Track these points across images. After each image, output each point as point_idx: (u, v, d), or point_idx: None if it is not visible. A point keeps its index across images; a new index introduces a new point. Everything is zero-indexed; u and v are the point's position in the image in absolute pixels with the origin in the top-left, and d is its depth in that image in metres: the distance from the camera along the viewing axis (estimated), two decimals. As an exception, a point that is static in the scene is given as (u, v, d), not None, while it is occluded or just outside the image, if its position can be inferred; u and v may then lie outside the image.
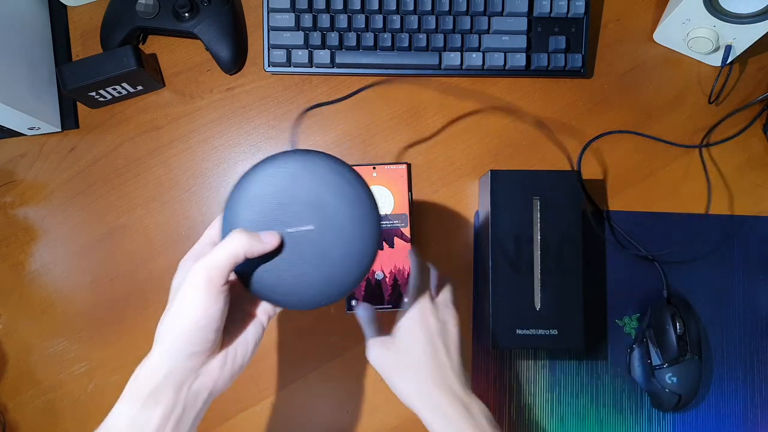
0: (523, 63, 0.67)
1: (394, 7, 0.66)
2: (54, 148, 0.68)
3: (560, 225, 0.58)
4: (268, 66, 0.68)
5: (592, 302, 0.66)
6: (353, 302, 0.65)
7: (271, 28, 0.67)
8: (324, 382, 0.66)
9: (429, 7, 0.66)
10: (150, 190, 0.68)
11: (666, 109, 0.69)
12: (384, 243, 0.65)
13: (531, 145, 0.68)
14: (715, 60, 0.68)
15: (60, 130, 0.68)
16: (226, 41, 0.67)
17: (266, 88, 0.69)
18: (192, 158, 0.69)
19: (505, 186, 0.59)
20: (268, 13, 0.67)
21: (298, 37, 0.67)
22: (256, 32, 0.70)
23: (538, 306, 0.58)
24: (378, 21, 0.66)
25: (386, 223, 0.66)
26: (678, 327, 0.61)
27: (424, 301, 0.51)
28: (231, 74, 0.69)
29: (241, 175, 0.40)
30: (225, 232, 0.40)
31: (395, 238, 0.65)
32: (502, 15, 0.67)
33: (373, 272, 0.65)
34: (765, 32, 0.61)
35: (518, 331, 0.58)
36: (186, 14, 0.66)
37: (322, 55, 0.67)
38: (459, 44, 0.67)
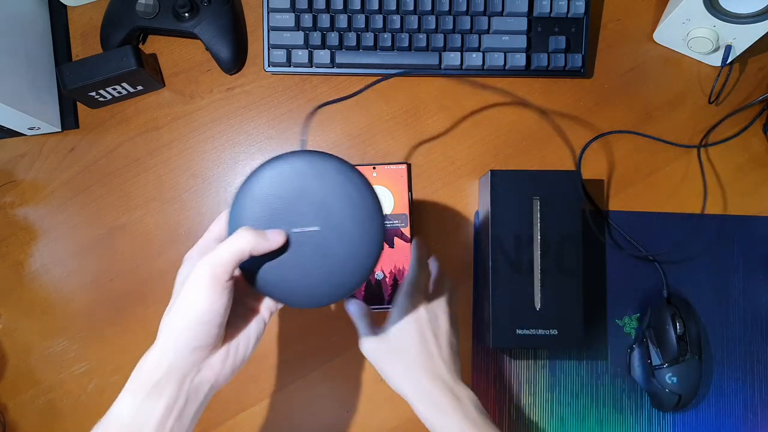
0: (523, 63, 0.67)
1: (394, 7, 0.66)
2: (54, 148, 0.68)
3: (560, 225, 0.58)
4: (268, 66, 0.68)
5: (592, 302, 0.66)
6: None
7: (271, 28, 0.67)
8: (324, 382, 0.66)
9: (429, 7, 0.66)
10: (150, 190, 0.68)
11: (666, 109, 0.69)
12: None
13: (531, 145, 0.68)
14: (715, 60, 0.68)
15: (60, 130, 0.68)
16: (226, 41, 0.67)
17: (266, 88, 0.69)
18: (192, 158, 0.69)
19: (505, 186, 0.59)
20: (268, 13, 0.67)
21: (298, 37, 0.67)
22: (256, 32, 0.70)
23: (538, 306, 0.58)
24: (378, 21, 0.66)
25: (386, 223, 0.66)
26: (678, 327, 0.61)
27: (417, 294, 0.52)
28: (231, 74, 0.69)
29: (249, 173, 0.41)
30: (231, 229, 0.41)
31: (395, 238, 0.65)
32: (502, 15, 0.67)
33: (373, 272, 0.65)
34: (765, 32, 0.61)
35: (518, 331, 0.58)
36: (186, 14, 0.66)
37: (322, 55, 0.67)
38: (459, 44, 0.67)
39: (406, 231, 0.65)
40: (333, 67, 0.68)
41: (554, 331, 0.58)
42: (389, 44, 0.66)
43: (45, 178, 0.68)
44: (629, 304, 0.66)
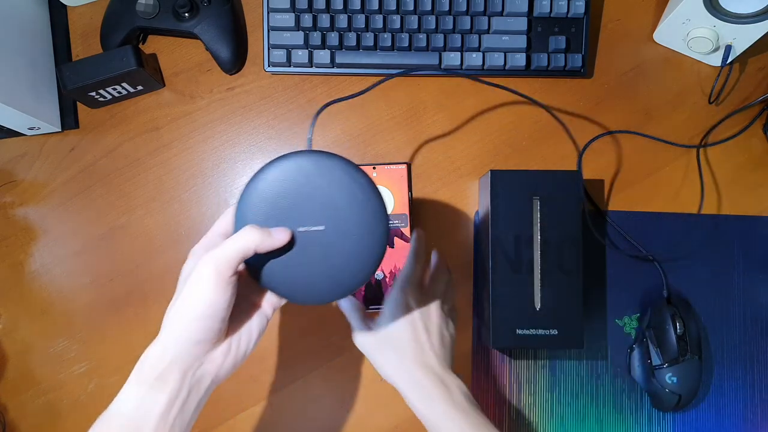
0: (523, 63, 0.67)
1: (394, 7, 0.66)
2: (54, 148, 0.68)
3: (560, 225, 0.58)
4: (268, 66, 0.68)
5: (592, 302, 0.66)
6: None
7: (271, 28, 0.67)
8: (324, 382, 0.66)
9: (429, 7, 0.66)
10: (150, 190, 0.68)
11: (666, 109, 0.69)
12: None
13: (531, 145, 0.68)
14: (715, 60, 0.68)
15: (60, 130, 0.68)
16: (226, 41, 0.67)
17: (266, 88, 0.69)
18: (192, 158, 0.69)
19: (505, 186, 0.59)
20: (268, 13, 0.67)
21: (298, 37, 0.67)
22: (256, 32, 0.70)
23: (538, 306, 0.58)
24: (378, 21, 0.66)
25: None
26: (678, 327, 0.61)
27: (410, 287, 0.53)
28: (231, 74, 0.69)
29: (255, 171, 0.42)
30: (237, 226, 0.41)
31: (395, 238, 0.65)
32: (502, 15, 0.67)
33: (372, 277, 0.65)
34: (765, 32, 0.61)
35: (518, 331, 0.58)
36: (186, 14, 0.66)
37: (322, 55, 0.67)
38: (459, 44, 0.67)
39: (406, 231, 0.65)
40: (333, 67, 0.68)
41: (554, 331, 0.58)
42: (389, 44, 0.66)
43: (45, 178, 0.68)
44: (629, 304, 0.66)
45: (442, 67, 0.67)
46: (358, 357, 0.66)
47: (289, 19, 0.66)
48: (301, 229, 0.41)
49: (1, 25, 0.62)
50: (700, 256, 0.67)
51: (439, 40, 0.67)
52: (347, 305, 0.55)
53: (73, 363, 0.66)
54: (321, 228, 0.41)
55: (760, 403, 0.65)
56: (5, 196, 0.68)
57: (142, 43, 0.70)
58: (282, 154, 0.42)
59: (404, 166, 0.66)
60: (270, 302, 0.45)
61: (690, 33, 0.65)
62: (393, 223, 0.66)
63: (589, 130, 0.68)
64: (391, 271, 0.65)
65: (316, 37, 0.67)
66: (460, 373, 0.65)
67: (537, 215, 0.59)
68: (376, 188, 0.42)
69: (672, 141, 0.68)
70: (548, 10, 0.67)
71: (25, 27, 0.66)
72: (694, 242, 0.67)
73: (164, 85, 0.69)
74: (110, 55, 0.63)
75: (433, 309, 0.54)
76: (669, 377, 0.62)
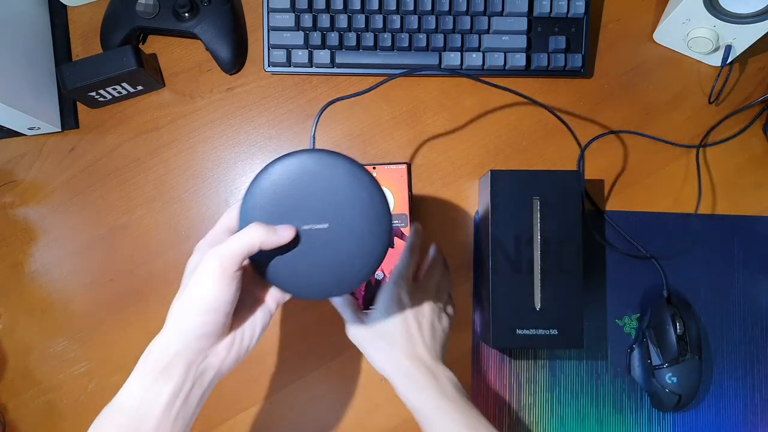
0: (523, 63, 0.67)
1: (394, 7, 0.66)
2: (54, 148, 0.68)
3: (560, 225, 0.58)
4: (268, 66, 0.68)
5: (592, 302, 0.66)
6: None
7: (271, 28, 0.67)
8: (324, 382, 0.66)
9: (429, 7, 0.66)
10: (150, 190, 0.68)
11: (666, 109, 0.69)
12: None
13: (531, 145, 0.68)
14: (715, 60, 0.68)
15: (60, 130, 0.68)
16: (226, 41, 0.67)
17: (266, 88, 0.69)
18: (192, 158, 0.69)
19: (505, 186, 0.59)
20: (268, 13, 0.67)
21: (298, 37, 0.67)
22: (256, 32, 0.70)
23: (538, 306, 0.58)
24: (378, 21, 0.66)
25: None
26: (678, 327, 0.61)
27: (403, 281, 0.54)
28: (231, 74, 0.69)
29: (261, 169, 0.42)
30: (242, 222, 0.42)
31: (395, 238, 0.65)
32: (502, 15, 0.67)
33: (374, 279, 0.65)
34: (765, 32, 0.61)
35: (518, 331, 0.58)
36: (186, 14, 0.66)
37: (322, 55, 0.67)
38: (459, 44, 0.67)
39: (406, 231, 0.65)
40: (333, 67, 0.68)
41: (554, 331, 0.58)
42: (389, 44, 0.66)
43: (45, 178, 0.68)
44: (629, 304, 0.66)
45: (442, 67, 0.67)
46: (358, 357, 0.66)
47: (289, 19, 0.66)
48: (305, 227, 0.42)
49: (1, 25, 0.62)
50: (700, 256, 0.67)
51: (439, 40, 0.67)
52: (338, 300, 0.56)
53: (73, 363, 0.66)
54: (325, 226, 0.42)
55: (760, 403, 0.65)
56: (5, 196, 0.68)
57: (142, 43, 0.70)
58: (285, 152, 0.42)
59: (404, 166, 0.66)
60: (274, 297, 0.45)
61: (690, 33, 0.65)
62: (393, 223, 0.66)
63: (589, 130, 0.68)
64: (391, 270, 0.65)
65: (316, 37, 0.67)
66: (460, 373, 0.65)
67: (537, 215, 0.59)
68: (380, 187, 0.43)
69: (672, 141, 0.68)
70: (548, 10, 0.67)
71: (25, 27, 0.66)
72: (694, 242, 0.67)
73: (164, 85, 0.69)
74: (110, 55, 0.63)
75: (426, 302, 0.55)
76: (669, 377, 0.62)
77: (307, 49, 0.67)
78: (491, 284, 0.58)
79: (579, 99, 0.69)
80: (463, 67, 0.67)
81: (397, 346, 0.52)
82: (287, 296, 0.46)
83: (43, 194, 0.68)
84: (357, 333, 0.54)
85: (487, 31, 0.67)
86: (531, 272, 0.58)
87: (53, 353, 0.66)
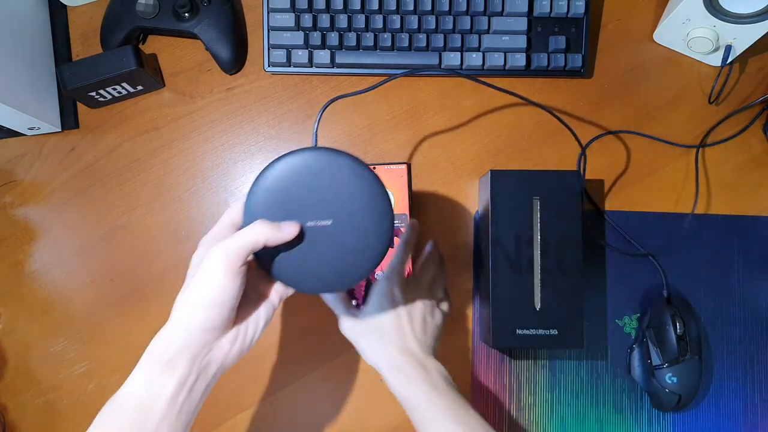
0: (523, 63, 0.67)
1: (394, 7, 0.66)
2: (54, 148, 0.68)
3: (560, 225, 0.58)
4: (268, 66, 0.68)
5: (592, 302, 0.66)
6: (353, 302, 0.65)
7: (271, 28, 0.67)
8: (324, 382, 0.66)
9: (429, 7, 0.66)
10: (150, 190, 0.68)
11: (666, 109, 0.69)
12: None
13: (531, 145, 0.68)
14: (715, 60, 0.68)
15: (60, 130, 0.68)
16: (226, 41, 0.67)
17: (266, 88, 0.69)
18: (192, 158, 0.69)
19: (505, 186, 0.59)
20: (268, 13, 0.67)
21: (298, 37, 0.67)
22: (256, 32, 0.70)
23: (538, 306, 0.58)
24: (378, 21, 0.66)
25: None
26: (678, 327, 0.61)
27: (395, 277, 0.55)
28: (231, 74, 0.69)
29: (265, 166, 0.43)
30: (246, 218, 0.43)
31: (395, 238, 0.65)
32: (502, 15, 0.67)
33: (376, 275, 0.65)
34: (765, 32, 0.61)
35: (518, 331, 0.58)
36: (186, 14, 0.66)
37: (322, 55, 0.67)
38: (459, 44, 0.67)
39: (406, 231, 0.65)
40: (333, 67, 0.68)
41: (554, 331, 0.58)
42: (389, 44, 0.66)
43: (45, 178, 0.68)
44: (629, 304, 0.66)
45: (442, 67, 0.67)
46: (358, 357, 0.66)
47: (289, 19, 0.66)
48: (309, 223, 0.42)
49: (1, 25, 0.62)
50: (700, 256, 0.67)
51: (439, 40, 0.67)
52: (330, 296, 0.57)
53: (73, 363, 0.66)
54: (328, 222, 0.43)
55: (760, 403, 0.65)
56: (5, 196, 0.68)
57: (142, 43, 0.70)
58: (289, 150, 0.43)
59: (404, 166, 0.66)
60: (277, 292, 0.46)
61: (690, 33, 0.65)
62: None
63: (589, 130, 0.68)
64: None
65: (316, 37, 0.67)
66: (461, 373, 0.66)
67: (537, 215, 0.59)
68: (382, 184, 0.43)
69: (672, 141, 0.68)
70: (548, 10, 0.67)
71: (25, 27, 0.66)
72: (694, 242, 0.67)
73: (164, 85, 0.69)
74: (110, 55, 0.63)
75: (418, 297, 0.56)
76: (669, 377, 0.62)
77: (307, 49, 0.67)
78: (491, 284, 0.58)
79: (579, 99, 0.69)
80: (463, 67, 0.67)
81: (389, 340, 0.53)
82: (290, 291, 0.46)
83: (43, 194, 0.68)
84: (350, 327, 0.55)
85: (487, 31, 0.67)
86: (531, 272, 0.58)
87: (53, 353, 0.66)
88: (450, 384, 0.52)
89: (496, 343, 0.58)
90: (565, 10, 0.67)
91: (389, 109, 0.69)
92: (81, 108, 0.69)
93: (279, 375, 0.66)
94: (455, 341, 0.66)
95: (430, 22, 0.66)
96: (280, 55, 0.67)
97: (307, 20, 0.66)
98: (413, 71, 0.66)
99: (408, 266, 0.63)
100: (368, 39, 0.66)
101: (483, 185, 0.64)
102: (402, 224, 0.65)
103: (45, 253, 0.67)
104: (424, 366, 0.51)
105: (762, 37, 0.62)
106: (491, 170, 0.59)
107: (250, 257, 0.41)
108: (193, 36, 0.67)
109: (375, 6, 0.66)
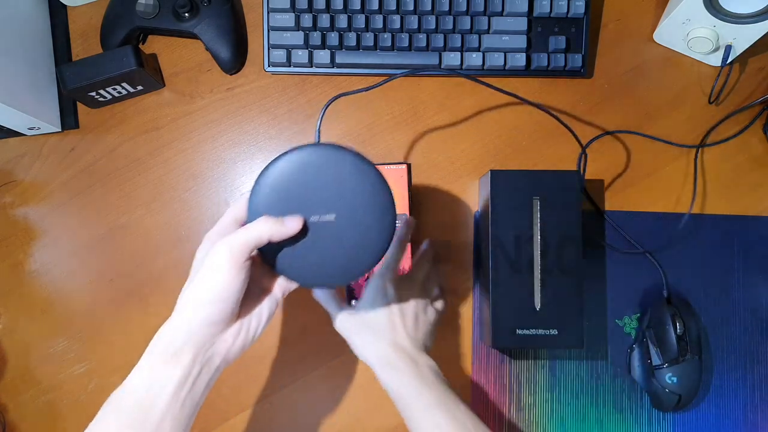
0: (523, 63, 0.67)
1: (394, 7, 0.66)
2: (54, 148, 0.68)
3: (560, 225, 0.58)
4: (268, 66, 0.68)
5: (592, 302, 0.66)
6: (353, 302, 0.65)
7: (271, 28, 0.67)
8: (324, 382, 0.66)
9: (429, 7, 0.66)
10: (150, 190, 0.68)
11: (666, 109, 0.69)
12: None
13: (531, 145, 0.68)
14: (715, 60, 0.68)
15: (60, 130, 0.68)
16: (226, 41, 0.67)
17: (266, 88, 0.69)
18: (192, 158, 0.69)
19: (505, 186, 0.59)
20: (268, 13, 0.67)
21: (298, 37, 0.67)
22: (256, 32, 0.70)
23: (538, 306, 0.58)
24: (378, 21, 0.66)
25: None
26: (678, 327, 0.61)
27: (388, 273, 0.55)
28: (231, 74, 0.69)
29: (269, 162, 0.43)
30: (251, 214, 0.43)
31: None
32: (502, 15, 0.67)
33: (373, 271, 0.65)
34: (765, 32, 0.61)
35: (518, 331, 0.58)
36: (186, 14, 0.66)
37: (322, 55, 0.67)
38: (459, 44, 0.67)
39: (406, 231, 0.65)
40: (333, 67, 0.68)
41: (554, 331, 0.58)
42: (389, 44, 0.66)
43: (45, 178, 0.68)
44: (629, 304, 0.66)
45: (442, 67, 0.67)
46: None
47: (289, 19, 0.66)
48: (312, 218, 0.43)
49: (1, 25, 0.62)
50: (700, 256, 0.67)
51: (439, 40, 0.67)
52: (322, 295, 0.58)
53: (73, 363, 0.66)
54: (331, 217, 0.43)
55: (760, 403, 0.65)
56: (5, 196, 0.68)
57: (142, 43, 0.70)
58: (293, 146, 0.43)
59: (404, 166, 0.66)
60: (280, 287, 0.46)
61: (690, 33, 0.65)
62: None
63: (589, 130, 0.68)
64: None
65: (316, 37, 0.67)
66: (461, 373, 0.66)
67: (537, 215, 0.59)
68: (384, 180, 0.44)
69: (672, 141, 0.68)
70: (548, 10, 0.67)
71: (25, 27, 0.66)
72: (694, 242, 0.67)
73: (164, 85, 0.69)
74: (110, 55, 0.63)
75: (411, 293, 0.56)
76: (669, 377, 0.62)
77: (307, 49, 0.67)
78: (491, 284, 0.58)
79: (579, 99, 0.69)
80: (463, 67, 0.67)
81: (380, 335, 0.53)
82: (293, 285, 0.47)
83: (43, 194, 0.68)
84: (343, 323, 0.56)
85: (487, 31, 0.67)
86: (531, 272, 0.58)
87: (53, 353, 0.66)
88: (440, 379, 0.52)
89: (496, 343, 0.58)
90: (565, 10, 0.67)
91: (389, 109, 0.69)
92: (81, 108, 0.69)
93: (279, 375, 0.66)
94: (455, 341, 0.66)
95: (430, 22, 0.66)
96: (280, 55, 0.67)
97: (307, 20, 0.66)
98: (413, 71, 0.66)
99: (406, 263, 0.63)
100: (368, 39, 0.66)
101: (483, 185, 0.64)
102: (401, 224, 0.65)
103: (45, 253, 0.67)
104: (415, 361, 0.52)
105: (762, 37, 0.62)
106: (491, 170, 0.59)
107: (254, 252, 0.42)
108: (193, 36, 0.67)
109: (375, 6, 0.66)
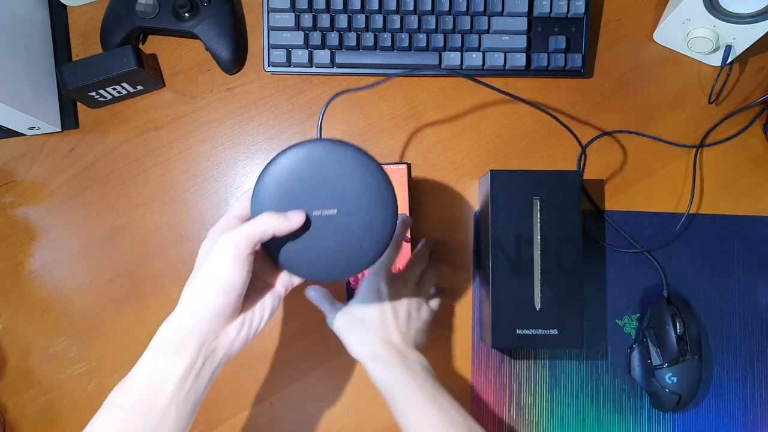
0: (523, 63, 0.67)
1: (394, 7, 0.66)
2: (54, 148, 0.68)
3: (560, 225, 0.58)
4: (268, 66, 0.68)
5: (592, 302, 0.66)
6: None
7: (271, 28, 0.67)
8: (324, 382, 0.66)
9: (429, 7, 0.66)
10: (150, 190, 0.68)
11: (666, 109, 0.69)
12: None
13: (531, 145, 0.68)
14: (715, 60, 0.68)
15: (60, 130, 0.68)
16: (226, 41, 0.67)
17: (266, 88, 0.69)
18: (192, 158, 0.69)
19: (505, 186, 0.59)
20: (268, 13, 0.67)
21: (298, 37, 0.67)
22: (256, 32, 0.70)
23: (538, 306, 0.58)
24: (378, 21, 0.66)
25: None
26: (678, 327, 0.61)
27: (382, 272, 0.56)
28: (231, 74, 0.69)
29: (271, 158, 0.44)
30: (254, 208, 0.44)
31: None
32: (502, 15, 0.67)
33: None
34: (765, 32, 0.61)
35: (518, 331, 0.58)
36: (186, 14, 0.66)
37: (322, 55, 0.67)
38: (459, 44, 0.67)
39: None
40: (333, 67, 0.68)
41: (554, 331, 0.58)
42: (389, 44, 0.66)
43: (45, 178, 0.68)
44: (629, 304, 0.66)
45: (442, 67, 0.67)
46: (358, 357, 0.66)
47: (289, 19, 0.66)
48: (315, 213, 0.43)
49: (1, 25, 0.62)
50: (700, 256, 0.67)
51: (439, 40, 0.67)
52: (315, 294, 0.58)
53: (73, 363, 0.66)
54: (334, 212, 0.44)
55: (760, 403, 0.65)
56: (5, 196, 0.68)
57: (142, 43, 0.70)
58: (295, 142, 0.44)
59: (404, 166, 0.66)
60: (283, 281, 0.47)
61: (690, 33, 0.65)
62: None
63: (589, 130, 0.68)
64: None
65: (316, 37, 0.67)
66: (460, 373, 0.66)
67: (537, 215, 0.59)
68: (386, 175, 0.44)
69: (672, 141, 0.68)
70: (548, 10, 0.67)
71: (25, 27, 0.66)
72: (694, 242, 0.67)
73: (164, 85, 0.69)
74: (110, 55, 0.63)
75: (404, 292, 0.57)
76: (669, 377, 0.62)
77: (307, 49, 0.67)
78: (491, 284, 0.58)
79: (579, 99, 0.69)
80: (463, 67, 0.67)
81: (372, 332, 0.54)
82: (296, 280, 0.47)
83: (43, 194, 0.68)
84: (336, 322, 0.57)
85: (487, 31, 0.67)
86: (531, 272, 0.58)
87: (53, 353, 0.66)
88: (430, 374, 0.53)
89: (496, 343, 0.58)
90: (565, 10, 0.67)
91: (389, 109, 0.69)
92: (81, 108, 0.69)
93: (279, 375, 0.66)
94: (455, 341, 0.66)
95: (430, 22, 0.66)
96: (280, 55, 0.67)
97: (307, 20, 0.66)
98: (413, 71, 0.66)
99: (402, 262, 0.63)
100: (368, 39, 0.66)
101: (483, 185, 0.64)
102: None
103: (45, 253, 0.67)
104: (404, 357, 0.53)
105: (762, 37, 0.62)
106: (491, 170, 0.59)
107: (258, 247, 0.42)
108: (193, 36, 0.67)
109: (375, 6, 0.66)
